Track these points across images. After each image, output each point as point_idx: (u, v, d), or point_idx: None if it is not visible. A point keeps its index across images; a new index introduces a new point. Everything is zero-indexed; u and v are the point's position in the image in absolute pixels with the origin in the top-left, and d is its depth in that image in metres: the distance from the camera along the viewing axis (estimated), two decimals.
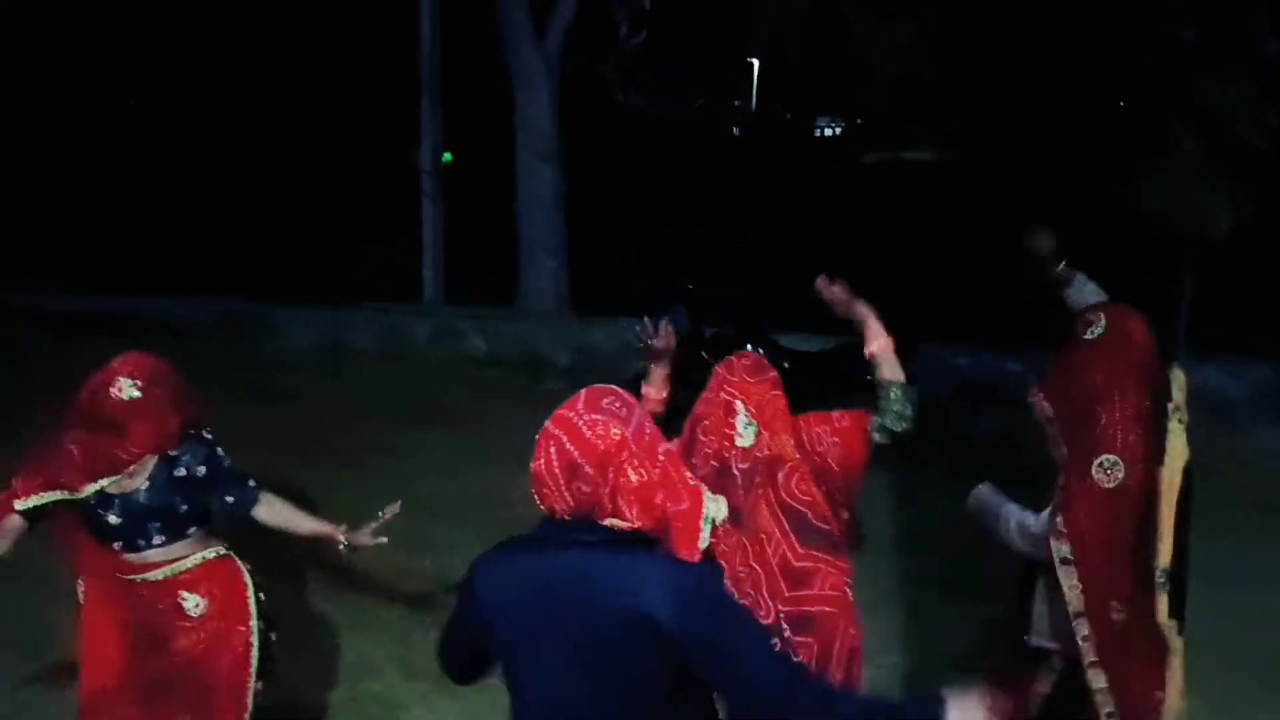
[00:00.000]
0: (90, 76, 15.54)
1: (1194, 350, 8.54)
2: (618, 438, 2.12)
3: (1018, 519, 3.25)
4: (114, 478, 3.28)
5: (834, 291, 3.26)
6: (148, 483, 3.35)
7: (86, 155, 15.28)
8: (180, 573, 3.43)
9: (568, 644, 2.11)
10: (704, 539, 2.20)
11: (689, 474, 2.28)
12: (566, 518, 2.14)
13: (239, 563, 3.57)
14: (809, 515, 3.16)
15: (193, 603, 3.45)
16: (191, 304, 10.95)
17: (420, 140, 11.96)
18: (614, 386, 2.30)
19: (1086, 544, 3.05)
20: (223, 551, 3.55)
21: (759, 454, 3.09)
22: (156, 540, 3.38)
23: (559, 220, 11.37)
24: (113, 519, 3.32)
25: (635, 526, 2.12)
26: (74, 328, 10.36)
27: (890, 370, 3.19)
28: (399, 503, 3.47)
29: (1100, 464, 3.04)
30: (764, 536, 3.13)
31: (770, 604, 3.10)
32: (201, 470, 3.43)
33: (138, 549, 3.36)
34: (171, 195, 14.88)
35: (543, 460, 2.14)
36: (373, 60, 14.06)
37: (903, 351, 8.19)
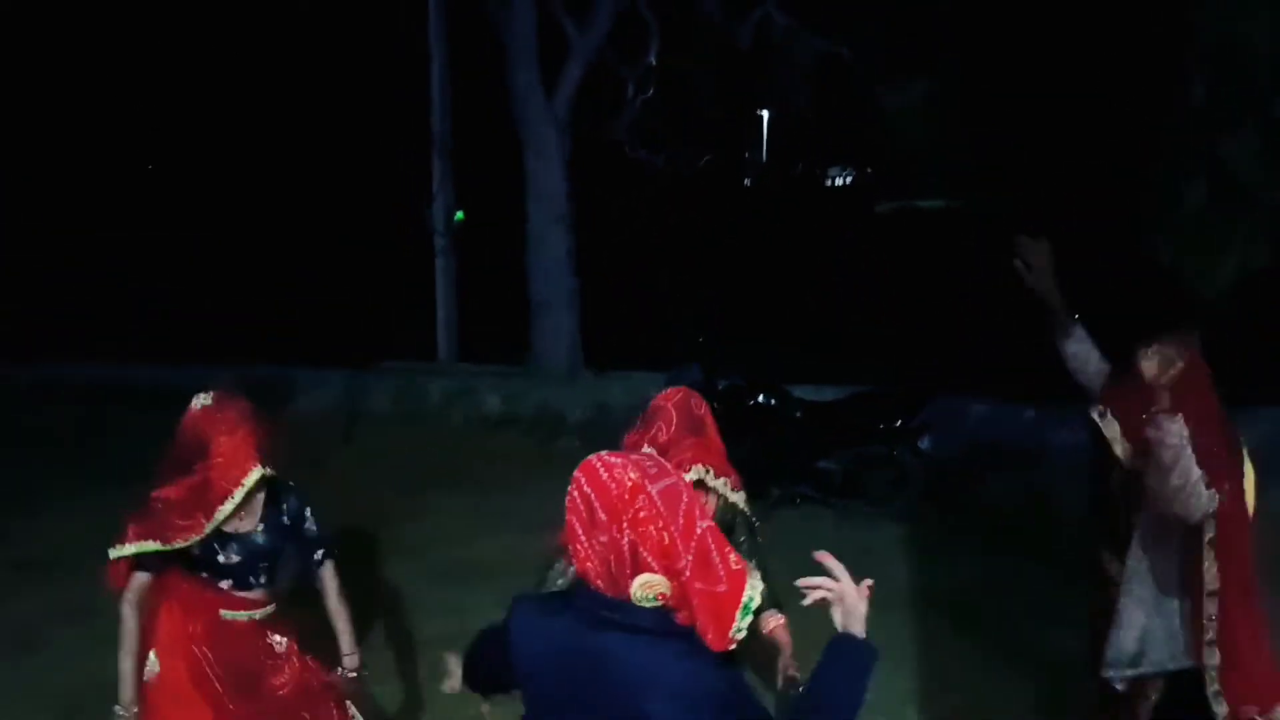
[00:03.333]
0: (107, 143, 15.77)
1: None
2: (633, 482, 2.05)
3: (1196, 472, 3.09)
4: (224, 509, 3.34)
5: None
6: (262, 525, 3.48)
7: (104, 223, 15.46)
8: (271, 614, 3.59)
9: None
10: (739, 629, 2.05)
11: (734, 556, 2.10)
12: (600, 585, 2.07)
13: None
14: None
15: (279, 640, 3.59)
16: (208, 371, 11.03)
17: (432, 200, 12.08)
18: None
19: (1235, 537, 3.20)
20: None
21: None
22: (262, 580, 3.52)
23: (570, 278, 11.43)
24: (231, 557, 3.43)
25: (666, 602, 2.06)
26: (91, 400, 10.49)
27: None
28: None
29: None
30: None
31: None
32: (288, 521, 3.56)
33: (248, 587, 3.49)
34: (187, 263, 15.04)
35: (568, 507, 2.10)
36: (385, 122, 14.25)
37: (912, 405, 8.13)
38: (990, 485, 7.95)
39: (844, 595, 2.29)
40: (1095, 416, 3.28)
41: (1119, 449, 3.26)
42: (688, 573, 2.03)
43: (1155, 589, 3.27)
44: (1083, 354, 3.56)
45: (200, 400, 3.38)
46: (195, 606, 3.44)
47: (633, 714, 2.01)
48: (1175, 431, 3.01)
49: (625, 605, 2.05)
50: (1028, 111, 16.13)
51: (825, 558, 2.31)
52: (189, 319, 13.11)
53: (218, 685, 3.40)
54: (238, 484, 3.35)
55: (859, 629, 2.29)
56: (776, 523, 7.04)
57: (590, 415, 9.83)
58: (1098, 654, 3.39)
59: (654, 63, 11.34)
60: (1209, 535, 3.16)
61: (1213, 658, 3.20)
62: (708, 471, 3.24)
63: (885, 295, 14.20)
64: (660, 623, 2.06)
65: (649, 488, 2.05)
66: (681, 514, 2.06)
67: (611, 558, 2.04)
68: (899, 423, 7.76)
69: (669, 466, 2.16)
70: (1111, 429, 3.25)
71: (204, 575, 3.43)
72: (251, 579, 3.48)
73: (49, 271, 14.25)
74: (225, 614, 3.48)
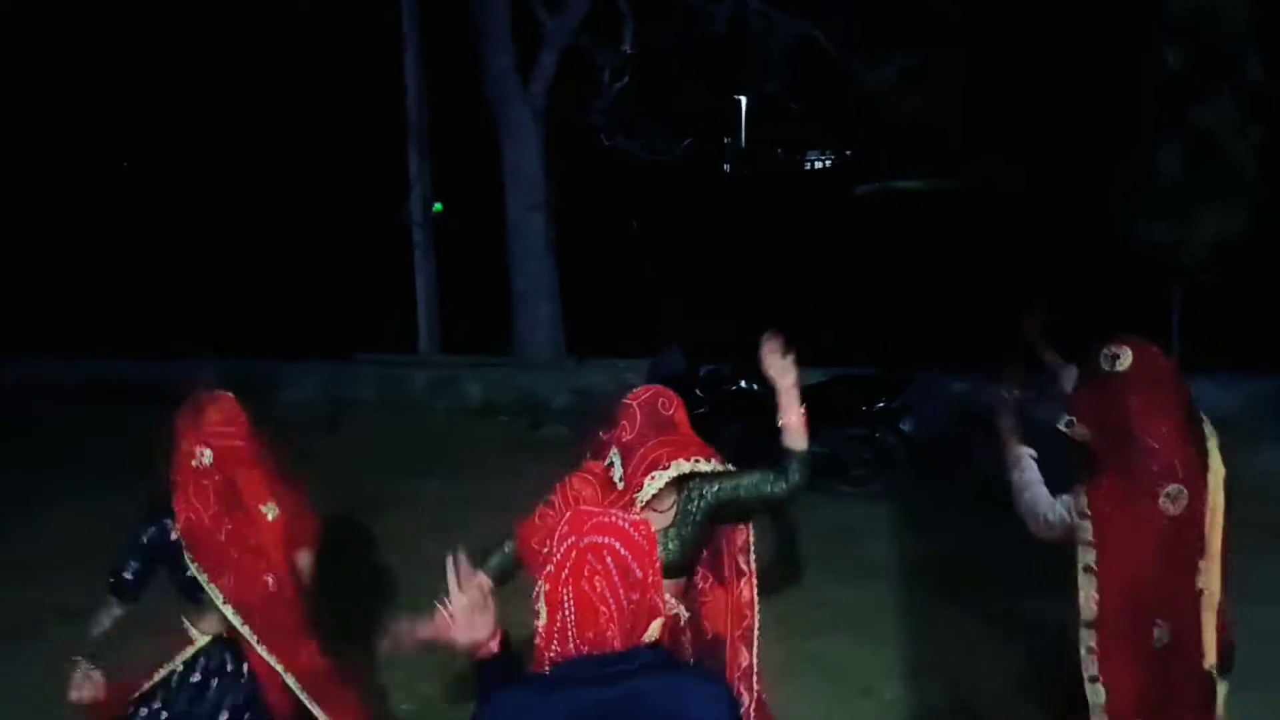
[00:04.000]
0: (87, 138, 15.68)
1: (1187, 365, 8.56)
2: (654, 534, 2.06)
3: (1043, 503, 3.25)
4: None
5: (771, 353, 3.28)
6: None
7: (83, 220, 15.38)
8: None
9: None
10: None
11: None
12: (614, 645, 2.00)
13: None
14: None
15: None
16: (192, 365, 10.99)
17: (410, 192, 12.03)
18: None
19: (1120, 560, 3.06)
20: None
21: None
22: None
23: (551, 266, 11.42)
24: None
25: (660, 640, 2.06)
26: (74, 397, 10.45)
27: (795, 441, 3.23)
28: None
29: (1167, 494, 3.01)
30: None
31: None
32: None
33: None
34: (167, 259, 14.96)
35: (599, 579, 2.00)
36: (360, 112, 14.20)
37: (894, 387, 8.13)
38: (974, 461, 7.98)
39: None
40: (1064, 428, 3.22)
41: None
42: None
43: None
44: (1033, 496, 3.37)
45: (207, 458, 3.35)
46: None
47: None
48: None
49: (631, 653, 2.02)
50: (1004, 84, 16.16)
51: None
52: (170, 314, 13.04)
53: None
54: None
55: None
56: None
57: (573, 402, 9.82)
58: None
59: (629, 49, 11.30)
60: (1084, 561, 3.06)
61: (1096, 696, 3.06)
62: (693, 462, 3.24)
63: (865, 276, 14.24)
64: (664, 655, 2.09)
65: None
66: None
67: (640, 613, 2.03)
68: (881, 405, 7.80)
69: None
70: (1081, 434, 3.19)
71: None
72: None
73: (27, 268, 14.16)
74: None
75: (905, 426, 7.78)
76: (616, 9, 11.01)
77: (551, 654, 2.02)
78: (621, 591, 2.00)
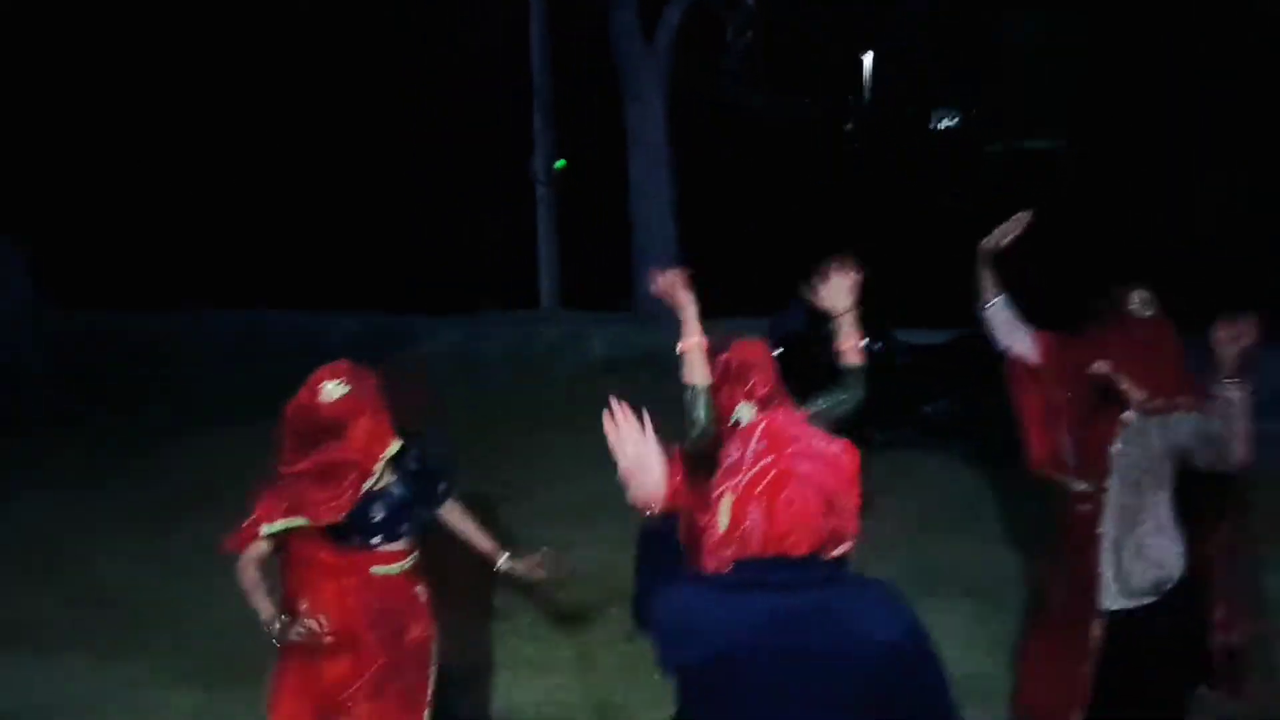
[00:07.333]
0: (227, 97, 16.19)
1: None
2: (855, 460, 2.04)
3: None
4: (368, 484, 3.41)
5: (664, 283, 3.29)
6: (395, 477, 3.51)
7: (231, 178, 15.92)
8: (414, 564, 3.62)
9: (827, 691, 1.97)
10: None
11: None
12: (806, 552, 2.00)
13: None
14: None
15: (420, 590, 3.64)
16: (328, 317, 11.42)
17: (534, 149, 12.17)
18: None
19: None
20: None
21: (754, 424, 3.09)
22: (405, 531, 3.55)
23: (673, 224, 11.45)
24: (378, 515, 3.47)
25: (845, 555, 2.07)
26: (212, 344, 10.92)
27: (852, 359, 3.36)
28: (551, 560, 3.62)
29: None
30: None
31: None
32: (414, 466, 3.59)
33: (395, 538, 3.52)
34: (309, 216, 15.43)
35: (797, 504, 1.97)
36: (486, 72, 14.35)
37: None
38: None
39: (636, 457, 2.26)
40: (1104, 369, 3.53)
41: (1134, 395, 3.52)
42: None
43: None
44: (1010, 323, 3.97)
45: (335, 389, 3.36)
46: (344, 570, 3.46)
47: (873, 652, 1.96)
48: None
49: (814, 561, 2.01)
50: (1147, 49, 15.52)
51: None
52: (310, 267, 13.48)
53: (369, 636, 3.45)
54: (378, 459, 3.41)
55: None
56: (884, 466, 7.04)
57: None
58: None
59: (753, 4, 11.21)
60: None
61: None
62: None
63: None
64: (848, 571, 2.13)
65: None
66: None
67: (835, 536, 2.02)
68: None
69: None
70: (1122, 380, 3.52)
71: (357, 539, 3.45)
72: (398, 529, 3.51)
73: (176, 220, 14.78)
74: (377, 570, 3.50)
75: None
76: None
77: (728, 553, 2.01)
78: (820, 519, 1.98)
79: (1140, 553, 3.51)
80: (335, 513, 3.37)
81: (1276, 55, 8.48)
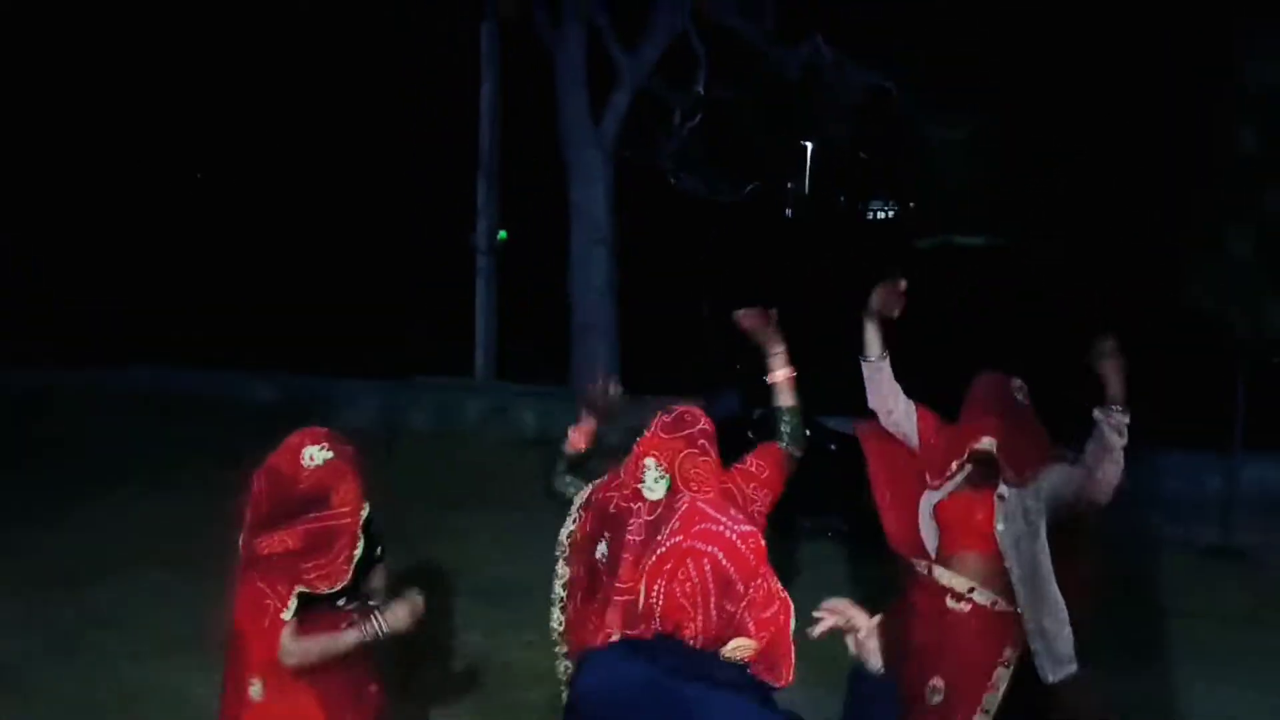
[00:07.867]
0: (160, 150, 16.06)
1: (1251, 443, 8.45)
2: (763, 546, 2.06)
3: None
4: (357, 551, 3.32)
5: (750, 318, 3.52)
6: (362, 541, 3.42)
7: (151, 231, 15.71)
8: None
9: None
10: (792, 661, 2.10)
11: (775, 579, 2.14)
12: (694, 643, 2.02)
13: None
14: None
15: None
16: (251, 381, 11.19)
17: (476, 220, 12.22)
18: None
19: None
20: None
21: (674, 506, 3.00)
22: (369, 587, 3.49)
23: (611, 303, 11.51)
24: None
25: (751, 659, 2.07)
26: (131, 407, 10.60)
27: (787, 398, 3.42)
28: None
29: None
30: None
31: None
32: (375, 530, 3.49)
33: (359, 598, 3.42)
34: (232, 273, 15.26)
35: (693, 581, 2.00)
36: (433, 140, 14.43)
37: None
38: None
39: (856, 623, 2.28)
40: (989, 448, 3.64)
41: (1008, 473, 3.61)
42: (771, 612, 2.06)
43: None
44: (891, 385, 4.00)
45: (320, 455, 3.31)
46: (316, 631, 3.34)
47: None
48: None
49: (711, 659, 2.03)
50: (1072, 151, 16.07)
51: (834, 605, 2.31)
52: (230, 326, 13.28)
53: (342, 700, 3.36)
54: (359, 523, 3.34)
55: (875, 661, 2.28)
56: (806, 556, 7.04)
57: (626, 439, 9.83)
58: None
59: (701, 92, 11.43)
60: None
61: None
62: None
63: (922, 330, 14.15)
64: (740, 676, 2.09)
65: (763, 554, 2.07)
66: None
67: (726, 624, 2.03)
68: None
69: (740, 516, 2.16)
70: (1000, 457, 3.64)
71: (338, 602, 3.36)
72: (361, 588, 3.44)
73: (86, 277, 14.45)
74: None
75: None
76: (691, 51, 11.16)
77: (645, 626, 2.05)
78: (714, 600, 2.00)
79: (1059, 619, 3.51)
80: (332, 581, 3.29)
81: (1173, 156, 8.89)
